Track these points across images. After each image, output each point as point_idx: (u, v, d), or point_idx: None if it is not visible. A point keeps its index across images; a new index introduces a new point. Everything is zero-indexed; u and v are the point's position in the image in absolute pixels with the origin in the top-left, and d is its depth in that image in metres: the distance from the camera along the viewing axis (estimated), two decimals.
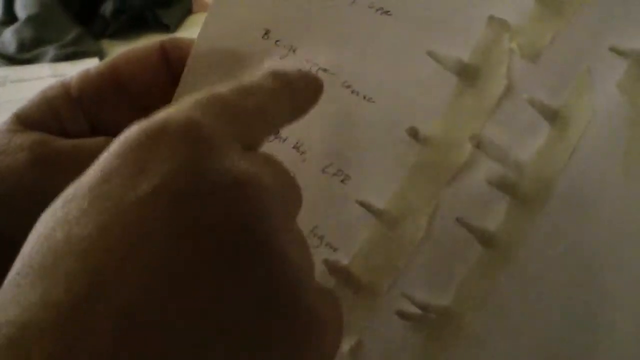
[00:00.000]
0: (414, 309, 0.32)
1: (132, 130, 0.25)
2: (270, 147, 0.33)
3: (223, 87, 0.28)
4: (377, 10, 0.35)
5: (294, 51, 0.36)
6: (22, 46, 1.02)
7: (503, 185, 0.32)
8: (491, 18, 0.33)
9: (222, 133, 0.26)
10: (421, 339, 0.33)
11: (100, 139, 0.34)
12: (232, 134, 0.26)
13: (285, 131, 0.35)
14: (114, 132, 0.28)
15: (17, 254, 0.24)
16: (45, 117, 0.34)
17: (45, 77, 0.95)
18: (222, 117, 0.26)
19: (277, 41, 0.36)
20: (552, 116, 0.32)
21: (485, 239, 0.32)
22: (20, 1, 1.06)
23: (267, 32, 0.36)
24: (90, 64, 0.91)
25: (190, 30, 1.10)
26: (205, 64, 0.37)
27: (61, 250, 0.22)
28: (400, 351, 0.33)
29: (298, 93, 0.31)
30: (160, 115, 0.25)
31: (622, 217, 0.31)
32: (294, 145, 0.35)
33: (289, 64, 0.36)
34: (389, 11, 0.35)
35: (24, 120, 0.34)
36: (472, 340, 0.32)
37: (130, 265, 0.21)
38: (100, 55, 1.02)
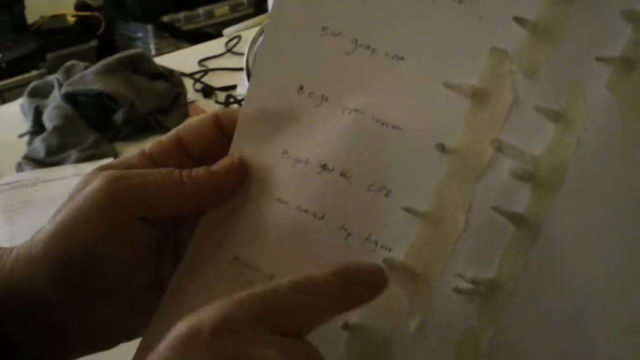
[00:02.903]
0: (465, 284, 0.34)
1: (181, 326, 0.28)
2: (320, 178, 0.36)
3: (283, 281, 0.30)
4: (392, 57, 0.37)
5: (326, 100, 0.37)
6: (50, 151, 1.05)
7: (524, 176, 0.35)
8: (493, 49, 0.36)
9: (254, 327, 0.28)
10: (475, 307, 0.34)
11: (164, 170, 0.36)
12: (271, 325, 0.29)
13: (330, 162, 0.36)
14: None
15: None
16: (121, 168, 0.36)
17: (69, 176, 1.00)
18: (258, 315, 0.29)
19: (310, 94, 0.37)
20: (556, 117, 0.35)
21: (516, 220, 0.35)
22: (46, 114, 1.11)
23: (301, 88, 0.38)
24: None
25: None
26: (252, 123, 0.38)
27: None
28: (458, 321, 0.34)
29: (360, 288, 0.32)
30: (206, 312, 0.28)
31: (624, 191, 0.33)
32: (340, 172, 0.36)
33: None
34: (403, 57, 0.37)
35: (104, 167, 0.37)
36: (516, 304, 0.34)
37: None
38: (115, 155, 1.06)
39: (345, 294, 0.31)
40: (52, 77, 1.20)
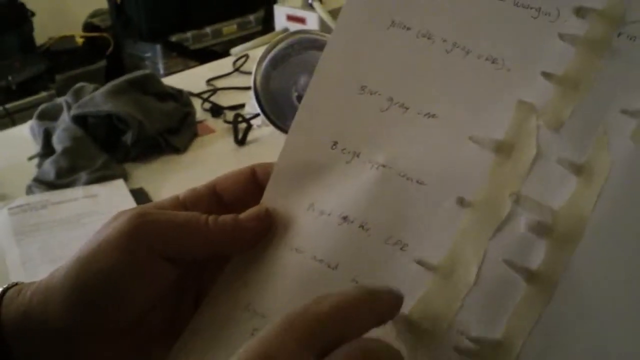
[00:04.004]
0: (468, 343, 0.33)
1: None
2: (340, 229, 0.37)
3: (320, 303, 0.30)
4: (424, 115, 0.38)
5: (357, 155, 0.38)
6: (60, 174, 1.05)
7: (540, 230, 0.34)
8: (520, 102, 0.36)
9: (289, 354, 0.28)
10: None
11: (190, 213, 0.37)
12: (304, 348, 0.28)
13: (352, 214, 0.37)
14: None
15: None
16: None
17: (79, 198, 1.00)
18: (295, 338, 0.29)
19: (343, 149, 0.39)
20: (578, 170, 0.35)
21: (529, 277, 0.34)
22: (56, 137, 1.11)
23: (335, 143, 0.39)
24: (116, 184, 1.03)
25: (197, 152, 1.16)
26: (285, 176, 0.39)
27: None
28: None
29: (382, 299, 0.32)
30: (237, 352, 0.28)
31: None
32: (360, 224, 0.37)
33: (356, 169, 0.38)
34: (435, 115, 0.38)
35: (137, 208, 0.37)
36: None
37: None
38: (125, 176, 1.06)
39: (375, 307, 0.32)
40: (61, 100, 1.20)
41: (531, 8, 0.37)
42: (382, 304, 0.32)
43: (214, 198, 0.39)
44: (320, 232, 0.37)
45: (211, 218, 0.37)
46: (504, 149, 0.36)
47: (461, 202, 0.36)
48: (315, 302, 0.30)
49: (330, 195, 0.38)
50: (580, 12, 0.37)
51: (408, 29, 0.39)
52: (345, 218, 0.37)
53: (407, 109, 0.38)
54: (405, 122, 0.38)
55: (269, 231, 0.38)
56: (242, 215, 0.38)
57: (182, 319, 0.38)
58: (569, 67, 0.36)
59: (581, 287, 0.33)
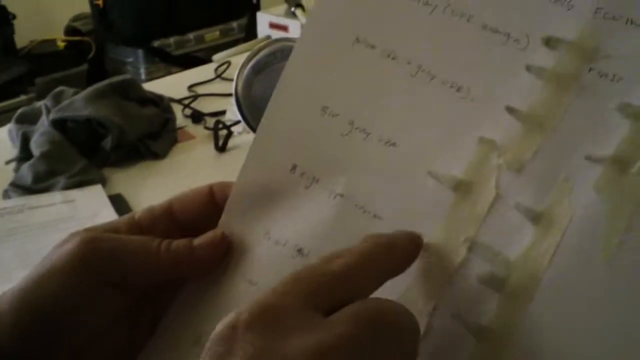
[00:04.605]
0: None
1: (218, 326, 0.28)
2: (293, 262, 0.36)
3: (316, 262, 0.29)
4: (385, 143, 0.37)
5: (316, 181, 0.37)
6: (37, 178, 1.03)
7: (493, 283, 0.33)
8: (481, 139, 0.35)
9: (295, 311, 0.27)
10: None
11: (143, 238, 0.36)
12: (311, 306, 0.28)
13: (307, 246, 0.36)
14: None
15: None
16: (107, 232, 0.36)
17: (57, 203, 0.99)
18: (301, 293, 0.28)
19: (302, 174, 0.37)
20: (536, 218, 0.33)
21: (479, 333, 0.32)
22: (34, 141, 1.09)
23: (294, 167, 0.38)
24: (94, 189, 1.02)
25: (177, 158, 1.15)
26: (242, 199, 0.38)
27: None
28: None
29: (396, 251, 0.32)
30: (244, 305, 0.28)
31: (606, 304, 0.31)
32: (314, 258, 0.34)
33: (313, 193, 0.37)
34: (395, 143, 0.36)
35: (90, 230, 0.37)
36: None
37: None
38: (103, 182, 1.05)
39: (388, 262, 0.31)
40: (40, 103, 1.19)
41: (500, 33, 0.35)
42: (397, 258, 0.32)
43: (171, 218, 0.38)
44: (274, 264, 0.36)
45: (164, 244, 0.36)
46: (462, 188, 0.35)
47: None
48: (325, 261, 0.30)
49: (287, 222, 0.37)
50: (550, 42, 0.35)
51: (372, 47, 0.37)
52: (299, 251, 0.36)
53: (368, 134, 0.37)
54: (366, 149, 0.37)
55: (224, 256, 0.37)
56: (197, 241, 0.37)
57: (139, 343, 0.37)
58: (534, 103, 0.34)
59: (533, 347, 0.32)
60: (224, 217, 0.38)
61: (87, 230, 0.36)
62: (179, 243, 0.36)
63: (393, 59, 0.37)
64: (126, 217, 0.38)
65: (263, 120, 0.39)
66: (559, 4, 0.34)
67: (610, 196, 0.32)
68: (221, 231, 0.37)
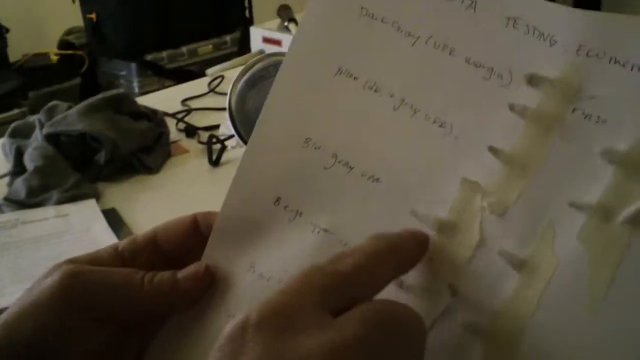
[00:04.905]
0: None
1: (230, 324, 0.27)
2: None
3: (324, 262, 0.29)
4: (368, 178, 0.36)
5: (300, 215, 0.37)
6: (31, 192, 1.03)
7: (476, 332, 0.32)
8: (464, 180, 0.34)
9: (304, 311, 0.27)
10: None
11: (126, 271, 0.36)
12: (320, 306, 0.28)
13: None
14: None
15: None
16: (90, 264, 0.36)
17: (50, 217, 0.99)
18: (310, 293, 0.28)
19: (285, 207, 0.37)
20: (520, 265, 0.32)
21: None
22: (28, 155, 1.09)
23: (277, 199, 0.37)
24: (88, 204, 1.02)
25: (171, 172, 1.15)
26: (226, 230, 0.37)
27: None
28: None
29: (402, 251, 0.32)
30: (253, 306, 0.27)
31: (589, 353, 0.30)
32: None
33: (297, 227, 0.36)
34: (378, 179, 0.36)
35: (73, 261, 0.36)
36: None
37: None
38: (97, 196, 1.05)
39: (395, 261, 0.31)
40: (34, 118, 1.19)
41: (483, 67, 0.34)
42: (403, 257, 0.32)
43: (155, 248, 0.38)
44: (258, 300, 0.34)
45: (147, 278, 0.35)
46: (446, 229, 0.34)
47: (400, 284, 0.34)
48: (334, 261, 0.30)
49: (272, 255, 0.36)
50: (532, 80, 0.34)
51: (355, 78, 0.36)
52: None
53: (351, 168, 0.36)
54: (349, 183, 0.36)
55: (209, 289, 0.37)
56: (181, 274, 0.36)
57: None
58: (517, 144, 0.33)
59: None
60: (208, 248, 0.38)
61: (70, 261, 0.36)
62: (162, 276, 0.36)
63: (376, 91, 0.36)
64: (109, 247, 0.38)
65: (246, 150, 0.38)
66: (541, 39, 0.33)
67: (594, 247, 0.31)
68: (205, 263, 0.37)
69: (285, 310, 0.27)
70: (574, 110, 0.32)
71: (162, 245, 0.38)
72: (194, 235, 0.38)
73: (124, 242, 0.38)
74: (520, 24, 0.33)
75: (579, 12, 0.32)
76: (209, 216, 0.38)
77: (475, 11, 0.34)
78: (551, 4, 0.33)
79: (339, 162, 0.36)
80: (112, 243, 0.38)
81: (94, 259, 0.37)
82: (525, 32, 0.33)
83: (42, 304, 0.34)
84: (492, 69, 0.34)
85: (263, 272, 0.36)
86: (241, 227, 0.37)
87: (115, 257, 0.37)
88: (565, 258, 0.31)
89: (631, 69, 0.31)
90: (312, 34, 0.37)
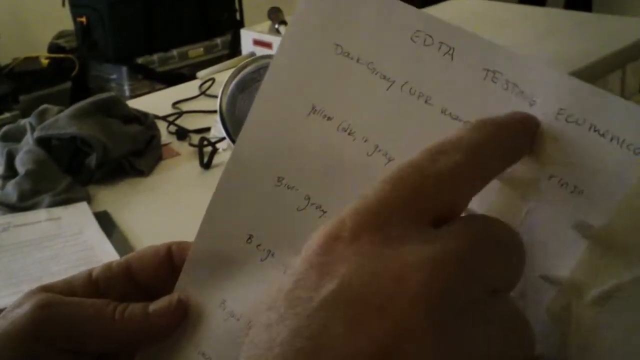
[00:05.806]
0: None
1: (317, 234, 0.25)
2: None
3: (416, 156, 0.26)
4: None
5: (272, 255, 0.35)
6: (22, 196, 1.04)
7: None
8: None
9: (400, 220, 0.24)
10: None
11: (98, 302, 0.35)
12: (416, 212, 0.25)
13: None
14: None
15: None
16: (63, 292, 0.36)
17: (42, 221, 1.00)
18: (405, 199, 0.25)
19: (258, 245, 0.36)
20: None
21: None
22: (19, 159, 1.10)
23: (250, 237, 0.36)
24: (80, 207, 1.03)
25: (162, 175, 1.16)
26: (199, 263, 0.37)
27: (264, 355, 0.23)
28: None
29: (508, 137, 0.28)
30: (345, 211, 0.25)
31: None
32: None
33: (271, 265, 0.35)
34: None
35: (47, 288, 0.36)
36: None
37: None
38: (88, 199, 1.06)
39: (493, 142, 0.27)
40: (25, 121, 1.19)
41: (459, 120, 0.32)
42: (508, 141, 0.28)
43: (128, 277, 0.37)
44: (228, 340, 0.35)
45: (119, 310, 0.35)
46: None
47: None
48: (429, 158, 0.26)
49: (243, 294, 0.35)
50: None
51: (329, 119, 0.35)
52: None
53: (324, 212, 0.34)
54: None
55: (180, 323, 0.36)
56: (152, 307, 0.36)
57: None
58: (492, 207, 0.31)
59: None
60: (180, 280, 0.37)
61: (43, 289, 0.36)
62: (134, 309, 0.35)
63: (349, 134, 0.34)
64: (84, 273, 0.37)
65: (219, 184, 0.37)
66: (521, 97, 0.31)
67: (561, 324, 0.29)
68: (177, 296, 0.36)
69: (380, 219, 0.24)
70: (550, 177, 0.30)
71: (136, 274, 0.38)
72: (167, 266, 0.38)
73: (98, 270, 0.37)
74: (500, 78, 0.31)
75: (563, 75, 0.30)
76: (183, 247, 0.38)
77: (452, 59, 0.32)
78: (533, 60, 0.31)
79: (312, 204, 0.35)
80: (87, 269, 0.38)
81: (67, 287, 0.36)
82: (504, 88, 0.31)
83: (14, 336, 0.33)
84: (468, 123, 0.31)
85: (234, 310, 0.35)
86: (214, 261, 0.36)
87: (90, 285, 0.37)
88: (535, 331, 0.28)
89: (610, 140, 0.29)
90: (286, 69, 0.36)
